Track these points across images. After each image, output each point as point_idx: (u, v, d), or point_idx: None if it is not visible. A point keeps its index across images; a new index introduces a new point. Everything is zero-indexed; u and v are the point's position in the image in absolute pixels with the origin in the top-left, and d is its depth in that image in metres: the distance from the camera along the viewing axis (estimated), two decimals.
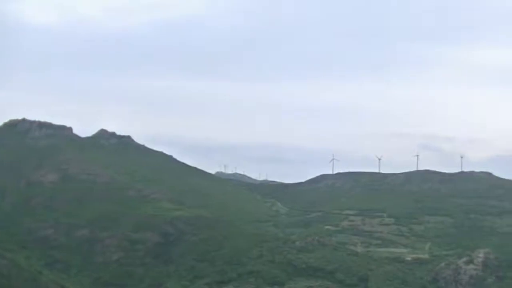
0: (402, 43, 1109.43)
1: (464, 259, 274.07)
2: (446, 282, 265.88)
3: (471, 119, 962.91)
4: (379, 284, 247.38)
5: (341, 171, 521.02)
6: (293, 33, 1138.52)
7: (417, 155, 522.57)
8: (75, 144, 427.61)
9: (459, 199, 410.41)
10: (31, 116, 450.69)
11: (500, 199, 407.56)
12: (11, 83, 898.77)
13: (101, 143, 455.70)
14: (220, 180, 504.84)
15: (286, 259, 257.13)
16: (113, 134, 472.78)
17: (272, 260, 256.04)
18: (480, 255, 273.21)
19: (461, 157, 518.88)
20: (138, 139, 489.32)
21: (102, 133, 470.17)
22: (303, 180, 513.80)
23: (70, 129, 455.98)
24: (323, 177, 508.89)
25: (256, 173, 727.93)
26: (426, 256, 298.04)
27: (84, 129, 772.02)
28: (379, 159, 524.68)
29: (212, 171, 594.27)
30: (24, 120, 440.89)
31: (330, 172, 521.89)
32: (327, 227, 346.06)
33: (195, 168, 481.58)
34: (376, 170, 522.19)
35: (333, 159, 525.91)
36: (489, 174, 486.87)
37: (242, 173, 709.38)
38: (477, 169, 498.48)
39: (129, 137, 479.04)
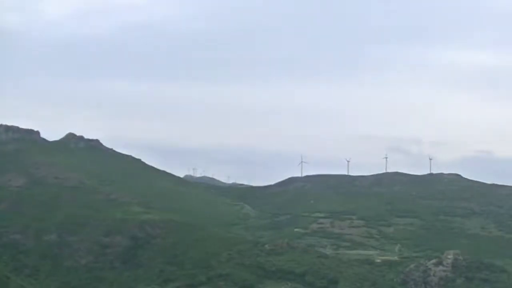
0: (370, 45, 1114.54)
1: (434, 260, 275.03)
2: (415, 283, 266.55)
3: (439, 121, 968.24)
4: (349, 286, 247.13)
5: (310, 173, 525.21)
6: (265, 36, 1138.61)
7: (386, 157, 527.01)
8: (42, 148, 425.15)
9: (428, 201, 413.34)
10: None
11: (469, 201, 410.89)
12: None
13: (69, 147, 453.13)
14: (189, 183, 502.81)
15: (255, 262, 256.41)
16: (81, 138, 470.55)
17: (241, 263, 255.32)
18: (449, 256, 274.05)
19: (430, 159, 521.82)
20: (107, 142, 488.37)
21: (70, 137, 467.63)
22: (272, 183, 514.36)
23: (37, 132, 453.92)
24: (292, 179, 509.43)
25: (225, 176, 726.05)
26: (395, 258, 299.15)
27: (51, 133, 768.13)
28: (348, 162, 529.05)
29: (181, 174, 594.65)
30: None
31: (299, 174, 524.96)
32: (296, 229, 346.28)
33: (164, 171, 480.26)
34: (345, 173, 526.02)
35: (301, 161, 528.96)
36: (458, 176, 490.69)
37: (211, 176, 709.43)
38: (446, 171, 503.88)
39: (97, 140, 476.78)
